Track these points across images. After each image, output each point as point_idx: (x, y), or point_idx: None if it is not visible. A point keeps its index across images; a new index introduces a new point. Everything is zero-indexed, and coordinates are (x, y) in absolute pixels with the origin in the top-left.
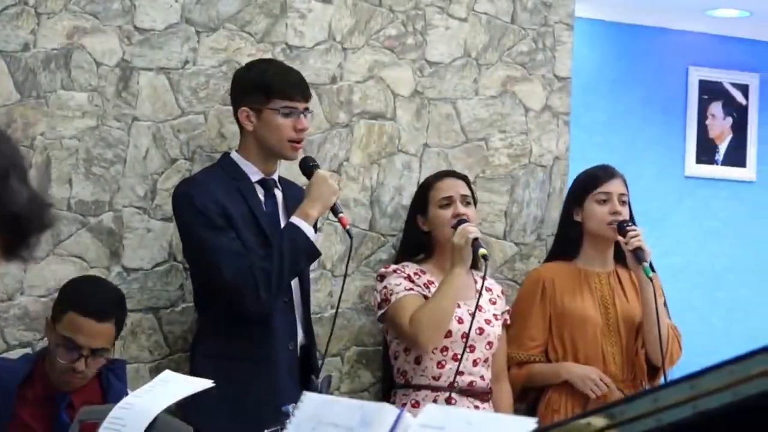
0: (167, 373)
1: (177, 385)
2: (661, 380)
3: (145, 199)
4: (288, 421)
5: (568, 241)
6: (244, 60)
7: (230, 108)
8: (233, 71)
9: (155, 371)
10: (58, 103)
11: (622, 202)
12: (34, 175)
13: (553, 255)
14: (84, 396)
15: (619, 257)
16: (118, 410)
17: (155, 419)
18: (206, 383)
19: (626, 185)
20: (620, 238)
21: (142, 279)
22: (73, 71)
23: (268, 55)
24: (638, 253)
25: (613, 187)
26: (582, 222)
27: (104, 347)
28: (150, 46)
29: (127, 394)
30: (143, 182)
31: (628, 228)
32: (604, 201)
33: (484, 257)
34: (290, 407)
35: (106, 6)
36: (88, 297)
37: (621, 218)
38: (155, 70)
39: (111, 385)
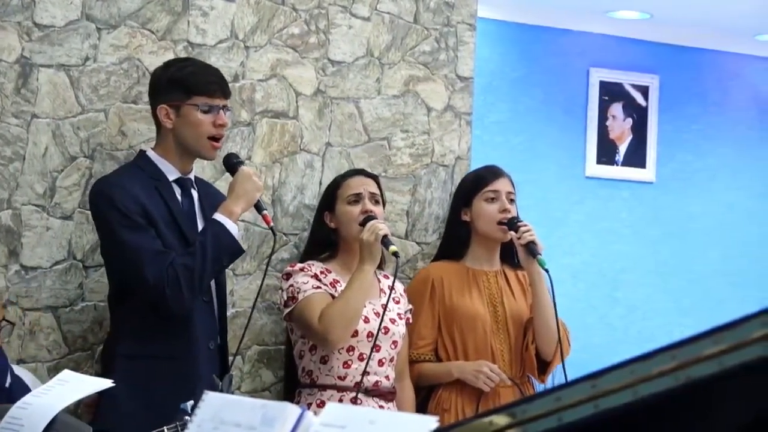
0: (66, 373)
1: (76, 385)
2: (550, 376)
3: (44, 197)
4: (186, 417)
5: (456, 241)
6: (146, 57)
7: (131, 105)
8: (134, 68)
9: (54, 371)
10: None
11: (511, 200)
12: None
13: (441, 255)
14: None
15: (505, 257)
16: (16, 410)
17: (54, 419)
18: (106, 382)
19: (513, 185)
20: (512, 233)
21: (41, 277)
22: None
23: (170, 53)
24: (531, 247)
25: (501, 185)
26: (470, 222)
27: None
28: (50, 42)
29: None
30: (42, 180)
31: (519, 224)
32: (493, 199)
33: (395, 254)
34: (188, 404)
35: (5, 1)
36: None
37: (510, 215)
38: (55, 66)
39: None
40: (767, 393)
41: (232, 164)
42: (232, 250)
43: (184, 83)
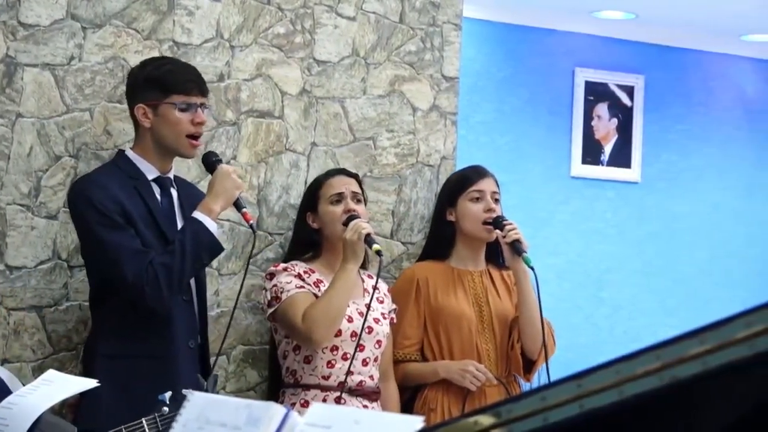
0: (51, 373)
1: (61, 385)
2: (536, 374)
3: (29, 196)
4: (165, 408)
5: (441, 241)
6: (131, 57)
7: (116, 105)
8: (120, 68)
9: (39, 371)
10: None
11: (495, 200)
12: None
13: (426, 255)
14: None
15: (490, 257)
16: (0, 410)
17: (39, 418)
18: (91, 382)
19: (498, 184)
20: (498, 232)
21: (26, 277)
22: None
23: (155, 53)
24: (516, 245)
25: (486, 185)
26: (455, 222)
27: None
28: (35, 41)
29: None
30: (27, 179)
31: (504, 222)
32: (478, 199)
33: (378, 252)
34: (166, 395)
35: None
36: None
37: (495, 215)
38: (40, 66)
39: None
40: (751, 393)
41: (210, 162)
42: (211, 248)
43: (161, 82)
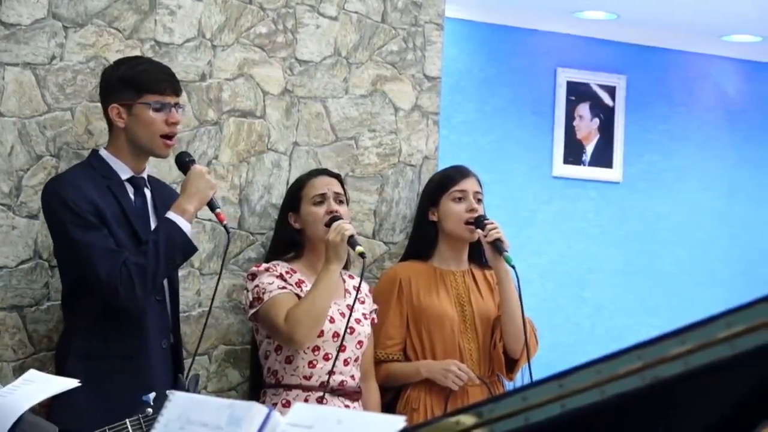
0: (32, 372)
1: (42, 384)
2: (519, 372)
3: (10, 196)
4: (149, 410)
5: (423, 241)
6: (112, 56)
7: (98, 105)
8: (101, 67)
9: (19, 370)
10: None
11: (478, 200)
12: None
13: (408, 255)
14: None
15: (473, 257)
16: None
17: (20, 418)
18: (72, 382)
19: (480, 184)
20: (479, 231)
21: (7, 277)
22: None
23: (137, 52)
24: (497, 244)
25: (468, 185)
26: (438, 222)
27: None
28: (16, 41)
29: None
30: (8, 179)
31: (485, 222)
32: (460, 199)
33: (362, 255)
34: (150, 396)
35: None
36: None
37: (477, 215)
38: (21, 65)
39: None
40: (733, 393)
41: (184, 162)
42: (185, 249)
43: (135, 82)
